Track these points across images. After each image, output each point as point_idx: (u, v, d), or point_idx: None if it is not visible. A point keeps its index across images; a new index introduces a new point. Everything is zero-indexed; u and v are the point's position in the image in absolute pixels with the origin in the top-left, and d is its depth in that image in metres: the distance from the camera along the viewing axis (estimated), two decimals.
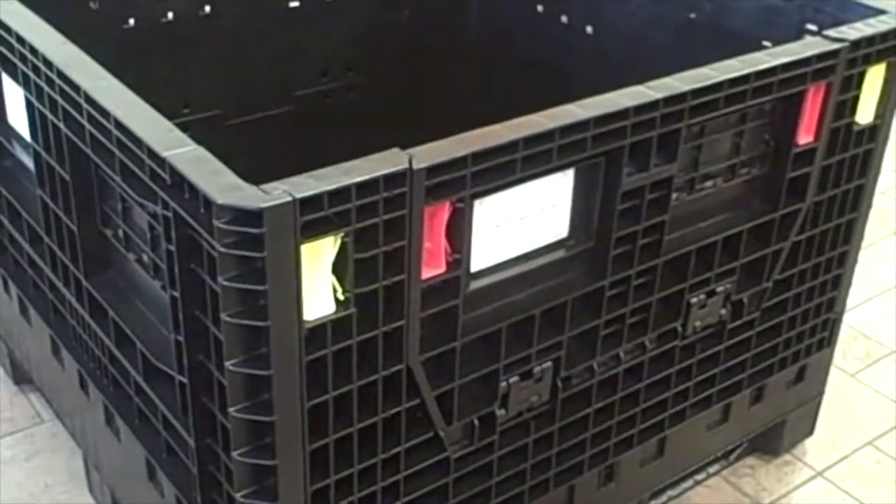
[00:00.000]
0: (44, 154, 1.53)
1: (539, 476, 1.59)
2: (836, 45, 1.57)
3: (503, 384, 1.46)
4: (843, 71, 1.61)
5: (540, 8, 2.18)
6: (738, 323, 1.74)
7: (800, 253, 1.76)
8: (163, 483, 1.50)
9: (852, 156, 1.74)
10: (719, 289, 1.66)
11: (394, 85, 2.39)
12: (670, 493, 1.91)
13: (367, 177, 1.15)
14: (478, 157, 1.24)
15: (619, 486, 1.73)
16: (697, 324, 1.66)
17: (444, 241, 1.29)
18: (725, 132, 1.60)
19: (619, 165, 1.41)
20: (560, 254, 1.48)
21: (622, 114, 1.36)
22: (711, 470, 1.97)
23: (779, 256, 1.72)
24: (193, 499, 1.38)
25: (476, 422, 1.46)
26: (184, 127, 1.24)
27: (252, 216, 1.08)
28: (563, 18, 2.13)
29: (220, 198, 1.08)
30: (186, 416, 1.33)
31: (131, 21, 2.04)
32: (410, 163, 1.19)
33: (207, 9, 2.12)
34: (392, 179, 1.17)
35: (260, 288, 1.12)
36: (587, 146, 1.35)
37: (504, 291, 1.43)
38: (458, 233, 1.30)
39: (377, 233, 1.19)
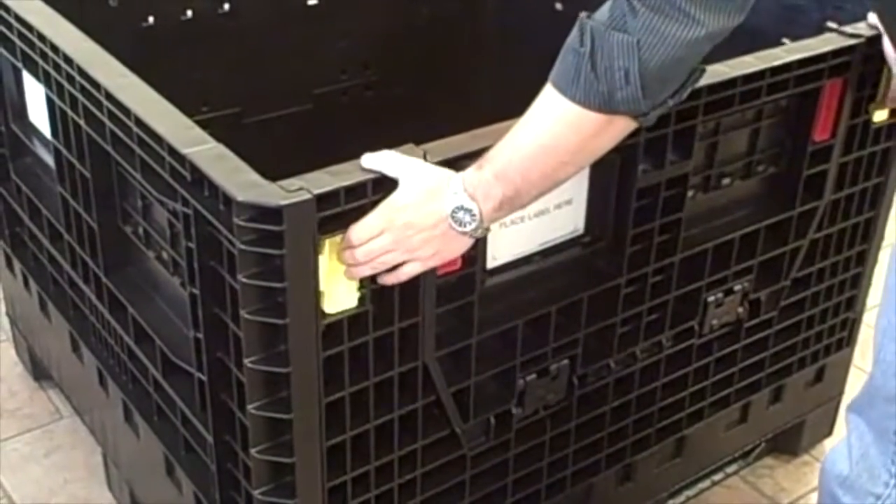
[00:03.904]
0: (64, 151, 1.54)
1: (556, 475, 1.59)
2: (852, 41, 1.56)
3: (520, 382, 1.45)
4: (859, 67, 1.60)
5: (559, 6, 2.18)
6: (755, 322, 1.73)
7: (818, 251, 1.75)
8: (181, 479, 1.50)
9: (870, 153, 1.73)
10: (736, 287, 1.65)
11: (412, 83, 2.39)
12: (688, 493, 1.90)
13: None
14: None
15: (636, 485, 1.73)
16: (714, 322, 1.66)
17: None
18: (741, 129, 1.59)
19: (634, 162, 1.41)
20: (576, 251, 1.48)
21: None
22: (729, 470, 1.96)
23: (797, 255, 1.71)
24: (212, 495, 1.39)
25: (492, 419, 1.46)
26: (202, 125, 1.24)
27: (272, 213, 1.08)
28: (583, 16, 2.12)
29: (240, 195, 1.09)
30: (205, 413, 1.34)
31: (150, 19, 2.05)
32: (425, 158, 1.19)
33: (226, 7, 2.13)
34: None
35: (279, 285, 1.12)
36: None
37: (520, 288, 1.43)
38: None
39: None
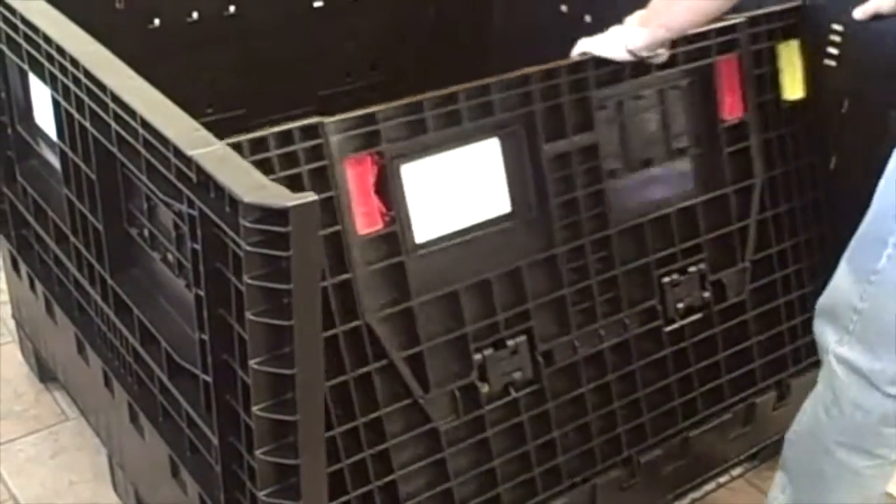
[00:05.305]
0: (70, 153, 1.54)
1: (546, 462, 1.61)
2: (734, 20, 1.68)
3: (478, 356, 1.51)
4: (748, 45, 1.71)
5: (564, 8, 2.18)
6: (725, 305, 1.76)
7: (770, 232, 1.80)
8: (186, 481, 1.50)
9: (792, 132, 1.80)
10: (691, 268, 1.70)
11: (418, 84, 2.37)
12: (693, 495, 1.90)
13: (283, 128, 1.32)
14: (386, 113, 1.40)
15: (641, 486, 1.73)
16: (680, 305, 1.70)
17: (376, 200, 1.40)
18: (650, 110, 1.68)
19: (535, 131, 1.53)
20: (507, 226, 1.55)
21: (523, 79, 1.51)
22: (735, 472, 1.96)
23: (746, 234, 1.76)
24: (217, 497, 1.39)
25: (458, 393, 1.50)
26: (207, 127, 1.24)
27: (278, 215, 1.08)
28: (587, 18, 2.12)
29: (246, 196, 1.09)
30: (210, 415, 1.34)
31: (156, 21, 2.06)
32: (322, 118, 1.35)
33: (232, 9, 2.14)
34: (306, 131, 1.34)
35: (285, 287, 1.12)
36: (494, 109, 1.48)
37: (456, 257, 1.50)
38: (388, 191, 1.41)
39: (302, 182, 1.30)
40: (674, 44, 1.61)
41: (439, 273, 1.48)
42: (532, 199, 1.56)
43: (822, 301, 1.53)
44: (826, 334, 1.51)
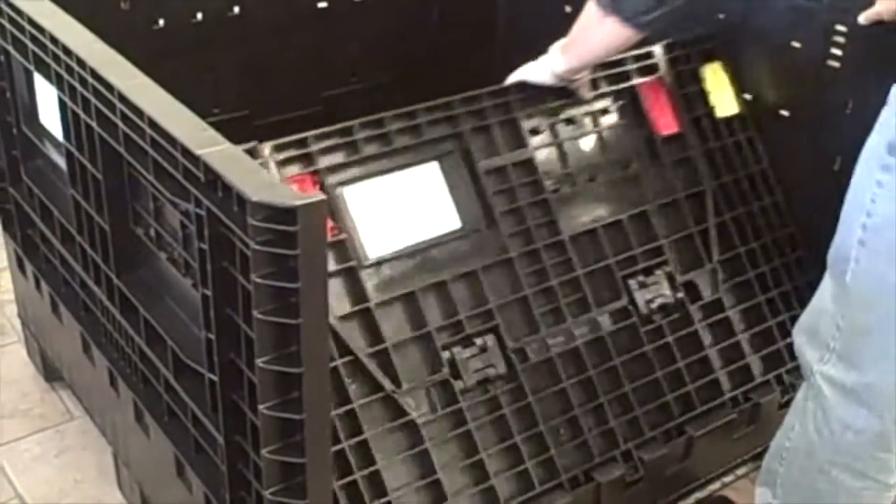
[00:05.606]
0: (76, 153, 1.54)
1: (538, 455, 1.62)
2: (650, 48, 1.85)
3: (446, 353, 1.56)
4: (669, 68, 1.83)
5: (568, 8, 2.18)
6: (701, 303, 1.82)
7: (733, 234, 1.87)
8: (192, 480, 1.51)
9: (735, 142, 1.91)
10: (657, 271, 1.78)
11: (422, 85, 2.38)
12: (698, 495, 1.90)
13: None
14: (318, 137, 1.54)
15: (645, 485, 1.73)
16: (653, 306, 1.76)
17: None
18: (588, 133, 1.79)
19: (468, 150, 1.66)
20: (460, 238, 1.63)
21: (447, 105, 1.65)
22: (739, 472, 1.96)
23: (707, 237, 1.84)
24: (222, 496, 1.39)
25: (433, 389, 1.56)
26: (213, 127, 1.24)
27: (286, 213, 1.09)
28: None
29: (254, 195, 1.09)
30: (216, 414, 1.34)
31: (161, 21, 2.06)
32: (260, 141, 1.45)
33: (237, 9, 2.14)
34: (247, 154, 1.33)
35: (293, 286, 1.13)
36: (422, 132, 1.62)
37: (412, 267, 1.60)
38: (333, 211, 1.53)
39: None
40: (596, 69, 1.73)
41: (395, 280, 1.56)
42: (479, 214, 1.66)
43: (804, 318, 1.54)
44: (806, 353, 1.51)
